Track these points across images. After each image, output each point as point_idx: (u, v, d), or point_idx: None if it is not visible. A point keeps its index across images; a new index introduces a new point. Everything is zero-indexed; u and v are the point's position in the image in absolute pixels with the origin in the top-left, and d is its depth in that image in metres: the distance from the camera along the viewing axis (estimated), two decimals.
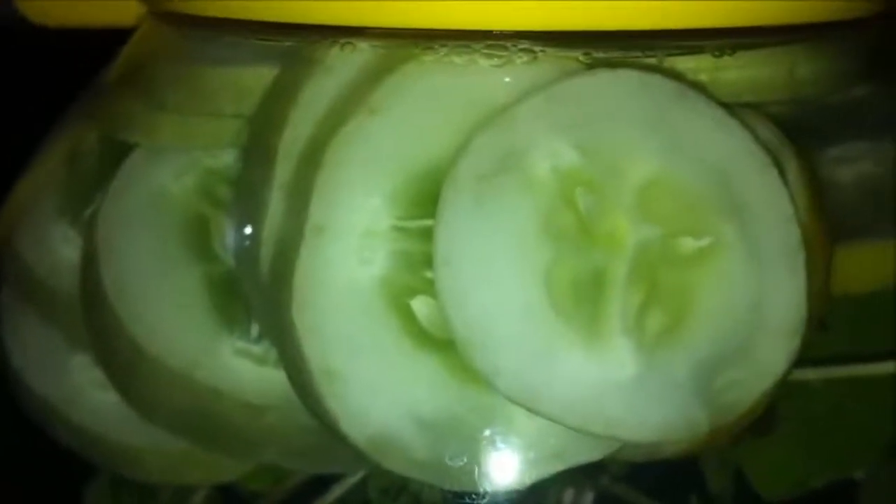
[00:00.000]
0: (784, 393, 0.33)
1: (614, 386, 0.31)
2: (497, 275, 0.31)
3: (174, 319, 0.35)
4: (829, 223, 0.34)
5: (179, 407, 0.35)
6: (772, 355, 0.32)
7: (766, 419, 0.34)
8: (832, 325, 0.35)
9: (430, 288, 0.31)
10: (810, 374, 0.35)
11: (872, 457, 0.36)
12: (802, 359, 0.33)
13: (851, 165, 0.36)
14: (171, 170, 0.35)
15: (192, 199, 0.35)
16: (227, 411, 0.34)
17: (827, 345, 0.35)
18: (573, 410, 0.31)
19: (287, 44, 0.34)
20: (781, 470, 0.35)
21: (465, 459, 0.32)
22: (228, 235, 0.35)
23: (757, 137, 0.32)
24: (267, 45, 0.34)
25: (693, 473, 0.35)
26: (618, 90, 0.32)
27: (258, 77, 0.34)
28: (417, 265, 0.32)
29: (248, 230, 0.34)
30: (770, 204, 0.32)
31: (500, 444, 0.32)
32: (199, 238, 0.35)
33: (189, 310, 0.35)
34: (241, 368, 0.34)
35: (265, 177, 0.33)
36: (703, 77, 0.33)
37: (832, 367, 0.35)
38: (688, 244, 0.32)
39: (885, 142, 0.36)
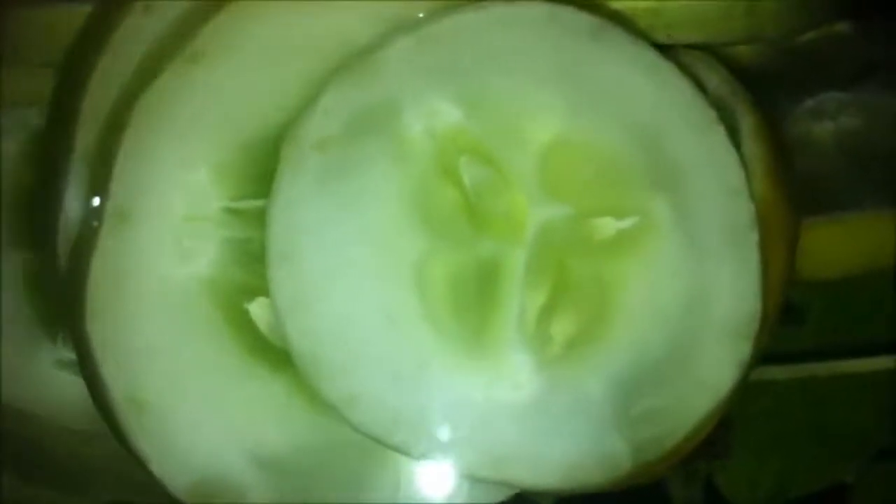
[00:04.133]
0: (749, 397, 0.30)
1: (506, 414, 0.28)
2: (350, 272, 0.28)
3: None
4: (800, 193, 0.31)
5: None
6: (715, 366, 0.29)
7: (718, 441, 0.32)
8: (808, 315, 0.33)
9: None
10: (783, 372, 0.34)
11: (857, 462, 0.34)
12: (774, 354, 0.30)
13: (830, 120, 0.33)
14: None
15: (16, 167, 0.32)
16: (43, 438, 0.32)
17: (802, 338, 0.33)
18: (452, 448, 0.28)
19: None
20: (755, 481, 0.34)
21: None
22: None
23: (700, 87, 0.29)
24: None
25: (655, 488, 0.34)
26: (515, 28, 0.29)
27: (69, 17, 0.30)
28: (257, 258, 0.28)
29: (45, 212, 0.30)
30: (713, 172, 0.29)
31: (365, 490, 0.29)
32: (24, 215, 0.32)
33: None
34: (62, 384, 0.31)
35: (64, 142, 0.29)
36: (632, 10, 0.30)
37: (808, 364, 0.34)
38: (606, 226, 0.29)
39: (869, 91, 0.33)
